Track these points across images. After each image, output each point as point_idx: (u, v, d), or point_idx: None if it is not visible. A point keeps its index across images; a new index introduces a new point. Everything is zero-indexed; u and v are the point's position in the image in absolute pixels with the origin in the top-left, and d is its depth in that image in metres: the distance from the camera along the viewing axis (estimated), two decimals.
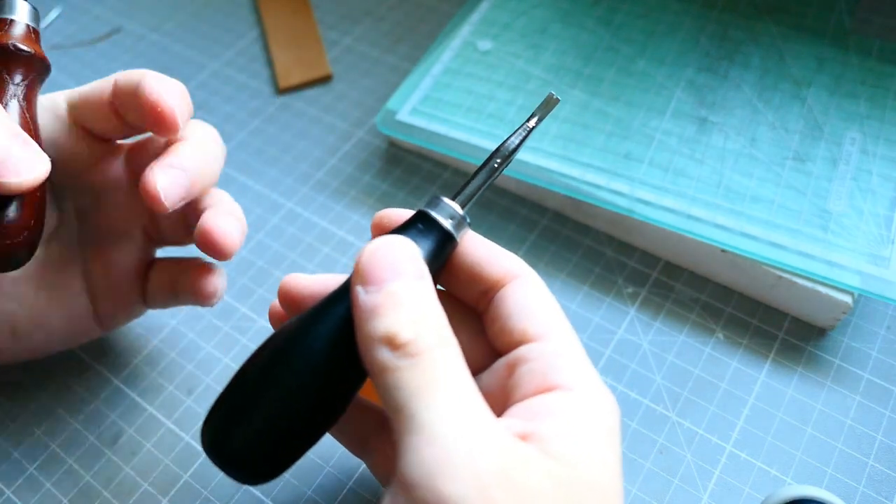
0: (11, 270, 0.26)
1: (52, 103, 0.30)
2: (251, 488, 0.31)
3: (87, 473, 0.32)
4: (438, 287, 0.25)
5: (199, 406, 0.34)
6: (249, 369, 0.23)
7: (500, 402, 0.22)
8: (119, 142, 0.32)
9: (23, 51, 0.26)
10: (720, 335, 0.35)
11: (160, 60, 0.50)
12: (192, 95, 0.32)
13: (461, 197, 0.24)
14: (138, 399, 0.34)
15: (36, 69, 0.27)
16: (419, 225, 0.23)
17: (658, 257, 0.38)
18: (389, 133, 0.41)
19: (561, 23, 0.45)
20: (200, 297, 0.31)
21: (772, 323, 0.35)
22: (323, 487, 0.31)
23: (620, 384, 0.34)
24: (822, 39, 0.42)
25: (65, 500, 0.31)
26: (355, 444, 0.27)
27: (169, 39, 0.52)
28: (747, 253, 0.34)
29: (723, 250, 0.35)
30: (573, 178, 0.37)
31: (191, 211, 0.31)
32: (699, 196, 0.36)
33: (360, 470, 0.32)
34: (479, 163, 0.39)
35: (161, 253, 0.34)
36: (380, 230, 0.25)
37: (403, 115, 0.41)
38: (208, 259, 0.31)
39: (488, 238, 0.39)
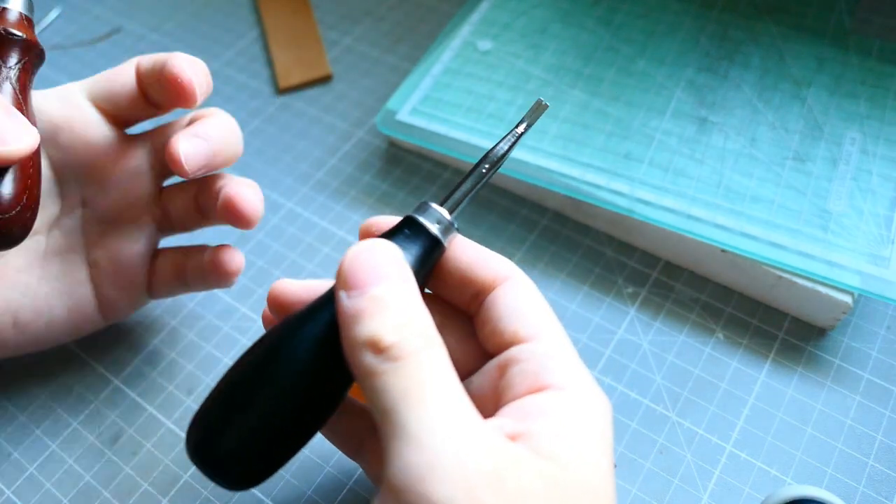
0: (5, 248, 0.26)
1: (65, 91, 0.30)
2: (251, 488, 0.31)
3: (87, 473, 0.32)
4: (428, 291, 0.25)
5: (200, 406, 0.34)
6: (235, 375, 0.23)
7: (491, 403, 0.22)
8: (128, 132, 0.32)
9: (15, 35, 0.27)
10: (720, 335, 0.35)
11: None
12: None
13: (449, 203, 0.24)
14: (138, 399, 0.34)
15: (29, 54, 0.27)
16: (406, 230, 0.23)
17: (658, 257, 0.38)
18: (389, 133, 0.41)
19: (561, 23, 0.45)
20: (222, 276, 0.32)
21: (772, 323, 0.35)
22: (323, 487, 0.31)
23: (620, 384, 0.34)
24: (822, 39, 0.42)
25: (65, 500, 0.31)
26: (350, 447, 0.26)
27: (169, 39, 0.52)
28: (747, 253, 0.34)
29: (723, 250, 0.35)
30: (573, 178, 0.37)
31: (204, 193, 0.32)
32: (699, 196, 0.36)
33: (360, 470, 0.32)
34: None
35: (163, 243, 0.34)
36: (368, 237, 0.25)
37: (403, 115, 0.41)
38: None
39: (489, 238, 0.39)
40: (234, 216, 0.30)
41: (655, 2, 0.46)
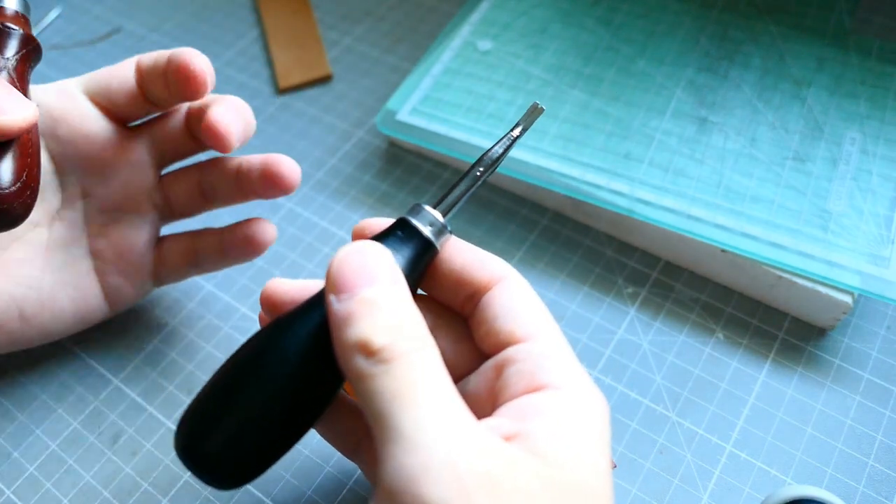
0: (5, 230, 0.26)
1: (62, 85, 0.31)
2: (251, 488, 0.31)
3: (87, 473, 0.32)
4: (422, 293, 0.25)
5: None
6: (224, 374, 0.23)
7: (488, 404, 0.22)
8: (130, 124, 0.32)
9: (12, 28, 0.28)
10: (720, 335, 0.35)
11: None
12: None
13: (443, 205, 0.24)
14: (138, 399, 0.34)
15: (27, 47, 0.28)
16: (399, 232, 0.23)
17: (658, 257, 0.38)
18: (389, 133, 0.41)
19: (561, 23, 0.45)
20: (257, 248, 0.33)
21: (772, 323, 0.35)
22: (323, 487, 0.31)
23: (620, 384, 0.34)
24: (822, 39, 0.42)
25: (65, 500, 0.31)
26: (348, 448, 0.26)
27: (169, 39, 0.52)
28: (747, 253, 0.34)
29: (723, 250, 0.35)
30: (573, 178, 0.37)
31: (217, 174, 0.32)
32: (699, 196, 0.36)
33: (360, 470, 0.32)
34: None
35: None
36: (361, 239, 0.25)
37: (403, 115, 0.41)
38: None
39: (488, 238, 0.39)
40: (277, 182, 0.31)
41: (655, 2, 0.46)
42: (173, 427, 0.33)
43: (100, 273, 0.33)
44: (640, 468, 0.31)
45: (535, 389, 0.21)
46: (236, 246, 0.33)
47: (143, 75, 0.30)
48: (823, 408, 0.33)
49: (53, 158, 0.31)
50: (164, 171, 0.33)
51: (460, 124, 0.40)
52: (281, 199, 0.42)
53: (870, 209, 0.35)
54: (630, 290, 0.37)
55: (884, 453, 0.31)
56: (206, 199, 0.33)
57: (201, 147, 0.33)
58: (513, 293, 0.23)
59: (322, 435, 0.27)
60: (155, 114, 0.32)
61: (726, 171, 0.37)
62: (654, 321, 0.36)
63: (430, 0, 0.53)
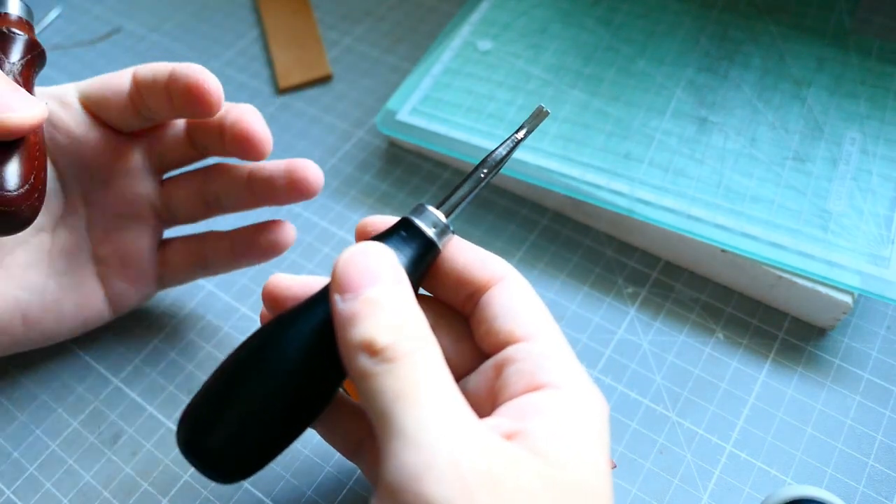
0: (13, 232, 0.26)
1: (62, 91, 0.30)
2: (251, 488, 0.31)
3: (87, 473, 0.32)
4: (423, 292, 0.25)
5: None
6: (227, 368, 0.23)
7: (488, 403, 0.22)
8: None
9: (16, 33, 0.28)
10: (720, 335, 0.35)
11: (160, 60, 0.50)
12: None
13: (446, 206, 0.24)
14: (138, 399, 0.34)
15: (32, 52, 0.28)
16: (402, 232, 0.23)
17: (658, 257, 0.38)
18: (389, 133, 0.41)
19: (561, 23, 0.45)
20: (279, 249, 0.33)
21: (772, 323, 0.35)
22: (323, 487, 0.31)
23: (620, 384, 0.34)
24: (822, 39, 0.42)
25: (65, 500, 0.31)
26: (348, 448, 0.27)
27: (169, 39, 0.52)
28: (747, 253, 0.34)
29: (723, 250, 0.35)
30: (573, 178, 0.37)
31: (210, 183, 0.32)
32: (699, 196, 0.36)
33: (360, 470, 0.32)
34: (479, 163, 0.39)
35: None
36: (364, 237, 0.25)
37: (403, 115, 0.41)
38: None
39: (488, 238, 0.39)
40: (304, 188, 0.31)
41: (655, 2, 0.46)
42: (173, 427, 0.33)
43: (103, 278, 0.33)
44: (640, 468, 0.31)
45: (535, 389, 0.21)
46: (256, 249, 0.32)
47: (139, 89, 0.29)
48: (823, 408, 0.33)
49: (55, 164, 0.31)
50: (166, 176, 0.33)
51: (460, 124, 0.40)
52: None
53: (870, 209, 0.35)
54: (630, 290, 0.37)
55: (884, 453, 0.31)
56: (210, 207, 0.33)
57: (202, 155, 0.33)
58: (513, 293, 0.23)
59: (322, 436, 0.27)
60: (148, 126, 0.32)
61: (726, 171, 0.37)
62: (654, 321, 0.36)
63: (430, 0, 0.53)
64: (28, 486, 0.32)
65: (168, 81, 0.28)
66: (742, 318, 0.36)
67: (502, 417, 0.20)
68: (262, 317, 0.27)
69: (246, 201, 0.32)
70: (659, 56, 0.42)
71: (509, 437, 0.19)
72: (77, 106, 0.30)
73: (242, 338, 0.36)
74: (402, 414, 0.19)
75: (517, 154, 0.38)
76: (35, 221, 0.30)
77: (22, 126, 0.25)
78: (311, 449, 0.32)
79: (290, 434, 0.23)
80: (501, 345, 0.22)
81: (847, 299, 0.33)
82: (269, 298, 0.26)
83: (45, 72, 0.49)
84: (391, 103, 0.42)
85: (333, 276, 0.21)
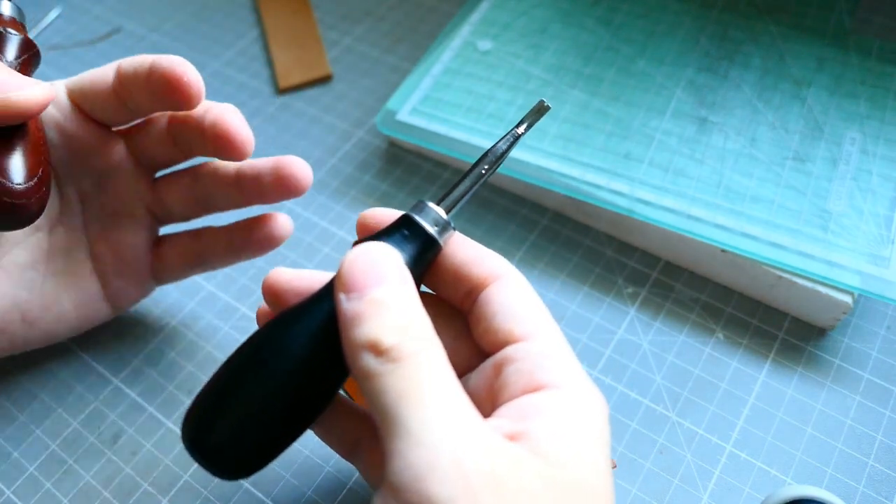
0: (22, 226, 0.26)
1: (53, 88, 0.30)
2: (251, 488, 0.31)
3: (87, 473, 0.32)
4: (423, 289, 0.25)
5: None
6: (231, 365, 0.23)
7: (487, 402, 0.22)
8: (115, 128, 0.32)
9: (12, 33, 0.28)
10: (720, 335, 0.35)
11: None
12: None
13: (446, 202, 0.24)
14: (138, 399, 0.34)
15: (27, 52, 0.28)
16: (404, 230, 0.23)
17: (658, 257, 0.38)
18: (389, 133, 0.41)
19: (561, 23, 0.45)
20: (275, 242, 0.32)
21: (772, 323, 0.35)
22: (323, 487, 0.31)
23: (620, 384, 0.34)
24: (822, 39, 0.42)
25: (65, 500, 0.31)
26: (346, 449, 0.27)
27: (169, 39, 0.52)
28: (747, 253, 0.34)
29: (723, 250, 0.35)
30: (573, 178, 0.37)
31: (200, 184, 0.32)
32: (699, 196, 0.36)
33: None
34: None
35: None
36: (364, 230, 0.25)
37: (403, 115, 0.41)
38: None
39: (488, 238, 0.39)
40: (291, 185, 0.30)
41: (655, 2, 0.46)
42: (173, 427, 0.33)
43: (101, 276, 0.33)
44: (640, 468, 0.31)
45: (535, 389, 0.21)
46: (253, 243, 0.32)
47: (122, 82, 0.29)
48: (823, 408, 0.33)
49: (50, 162, 0.31)
50: (158, 175, 0.33)
51: (460, 124, 0.40)
52: None
53: (870, 209, 0.35)
54: (630, 290, 0.37)
55: (884, 453, 0.31)
56: (202, 206, 0.33)
57: (186, 155, 0.32)
58: (512, 291, 0.23)
59: (319, 436, 0.27)
60: (134, 121, 0.32)
61: (726, 171, 0.37)
62: (654, 321, 0.36)
63: (430, 0, 0.53)
64: (28, 486, 0.32)
65: (149, 73, 0.28)
66: (742, 318, 0.36)
67: (503, 419, 0.20)
68: (259, 314, 0.27)
69: (236, 200, 0.32)
70: (659, 56, 0.42)
71: (511, 438, 0.19)
72: (66, 101, 0.30)
73: (242, 338, 0.36)
74: (407, 414, 0.19)
75: (517, 154, 0.38)
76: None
77: (29, 106, 0.25)
78: (311, 449, 0.32)
79: (293, 432, 0.23)
80: (501, 344, 0.22)
81: (847, 299, 0.33)
82: (270, 292, 0.26)
83: (45, 72, 0.49)
84: (391, 103, 0.42)
85: (339, 275, 0.21)
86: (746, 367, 0.34)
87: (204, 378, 0.35)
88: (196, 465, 0.32)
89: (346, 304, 0.21)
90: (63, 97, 0.30)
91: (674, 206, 0.36)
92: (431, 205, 0.24)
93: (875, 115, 0.38)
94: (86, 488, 0.32)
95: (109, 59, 0.51)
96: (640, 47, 0.43)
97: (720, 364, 0.34)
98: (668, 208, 0.36)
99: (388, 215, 0.25)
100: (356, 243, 0.23)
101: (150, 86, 0.28)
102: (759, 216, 0.35)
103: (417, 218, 0.23)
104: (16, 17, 0.29)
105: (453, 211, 0.24)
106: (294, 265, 0.39)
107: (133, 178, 0.32)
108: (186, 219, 0.34)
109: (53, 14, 0.53)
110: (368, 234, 0.24)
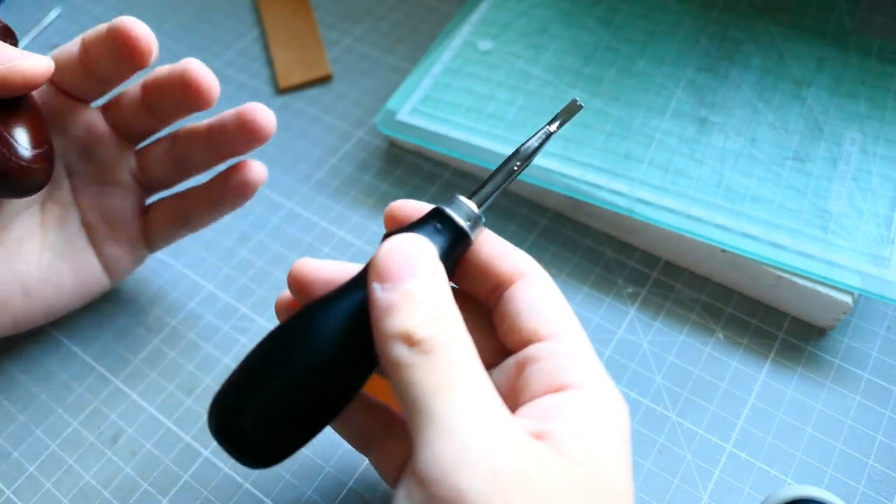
0: (29, 194, 0.28)
1: (51, 59, 0.31)
2: (251, 488, 0.31)
3: (87, 473, 0.32)
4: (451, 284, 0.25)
5: (199, 406, 0.34)
6: (260, 353, 0.23)
7: (509, 400, 0.22)
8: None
9: None
10: (720, 335, 0.35)
11: (160, 60, 0.50)
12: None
13: (478, 197, 0.24)
14: (138, 399, 0.34)
15: (5, 38, 0.29)
16: (436, 223, 0.23)
17: (658, 257, 0.38)
18: (389, 133, 0.41)
19: (561, 23, 0.45)
20: (250, 187, 0.33)
21: (772, 323, 0.35)
22: (323, 487, 0.31)
23: (620, 384, 0.34)
24: (822, 39, 0.42)
25: (65, 500, 0.31)
26: (360, 441, 0.27)
27: (169, 39, 0.52)
28: (747, 253, 0.34)
29: (723, 250, 0.35)
30: (573, 178, 0.37)
31: (177, 144, 0.33)
32: (699, 196, 0.36)
33: (360, 470, 0.32)
34: (480, 163, 0.39)
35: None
36: (393, 222, 0.25)
37: (403, 115, 0.41)
38: None
39: None
40: (253, 129, 0.31)
41: (655, 2, 0.46)
42: (173, 427, 0.33)
43: (95, 245, 0.34)
44: (640, 468, 0.31)
45: (558, 389, 0.21)
46: (230, 191, 0.33)
47: (86, 50, 0.30)
48: (823, 408, 0.33)
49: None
50: (140, 146, 0.34)
51: (460, 124, 0.40)
52: (281, 199, 0.42)
53: (870, 209, 0.35)
54: (630, 290, 0.37)
55: (884, 453, 0.31)
56: (181, 168, 0.34)
57: (162, 122, 0.33)
58: (538, 290, 0.23)
59: (335, 429, 0.27)
60: (106, 92, 0.32)
61: (726, 171, 0.37)
62: (654, 321, 0.36)
63: (430, 0, 0.53)
64: (28, 486, 0.32)
65: (106, 34, 0.29)
66: (742, 318, 0.36)
67: (526, 418, 0.21)
68: (279, 304, 0.27)
69: (208, 155, 0.33)
70: (659, 56, 0.42)
71: (535, 437, 0.20)
72: None
73: (242, 338, 0.36)
74: (438, 406, 0.19)
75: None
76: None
77: (35, 74, 0.26)
78: (311, 449, 0.32)
79: (321, 420, 0.23)
80: (525, 342, 0.23)
81: (847, 299, 0.33)
82: (296, 283, 0.26)
83: None
84: (391, 103, 0.42)
85: (374, 264, 0.21)
86: (746, 367, 0.34)
87: (204, 378, 0.35)
88: (196, 464, 0.32)
89: (380, 293, 0.21)
90: None
91: (674, 206, 0.36)
92: (463, 199, 0.24)
93: (875, 115, 0.38)
94: (86, 488, 0.32)
95: None
96: (640, 47, 0.43)
97: (720, 364, 0.34)
98: (668, 208, 0.36)
99: (417, 207, 0.25)
100: (387, 235, 0.23)
101: (109, 46, 0.29)
102: (759, 216, 0.35)
103: (450, 211, 0.23)
104: None
105: (484, 206, 0.24)
106: None
107: (116, 149, 0.33)
108: (170, 184, 0.35)
109: (53, 14, 0.53)
110: (397, 226, 0.25)
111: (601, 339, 0.35)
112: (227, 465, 0.32)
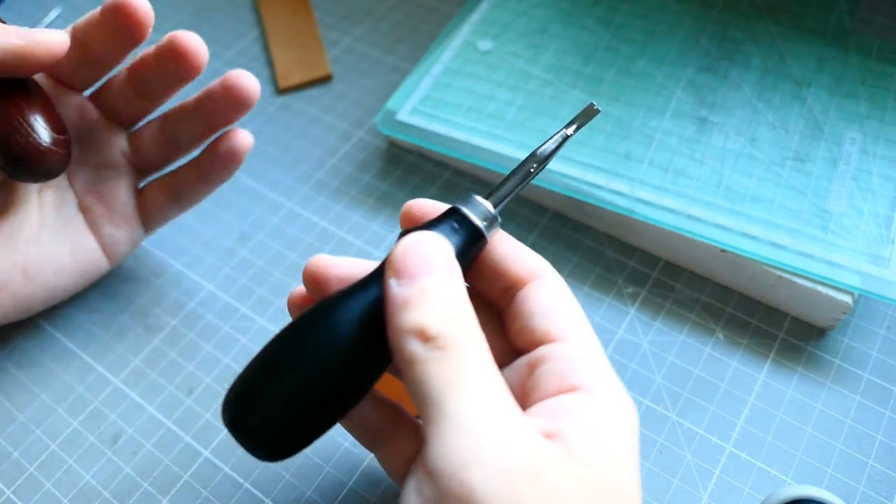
0: (48, 179, 0.29)
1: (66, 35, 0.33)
2: (251, 488, 0.31)
3: (87, 473, 0.32)
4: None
5: (199, 406, 0.34)
6: (275, 347, 0.23)
7: (520, 400, 0.22)
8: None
9: None
10: (720, 335, 0.35)
11: None
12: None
13: (494, 197, 0.24)
14: (138, 399, 0.34)
15: None
16: (453, 222, 0.23)
17: (658, 257, 0.38)
18: (389, 133, 0.41)
19: (561, 23, 0.45)
20: (238, 155, 0.34)
21: (772, 323, 0.35)
22: (323, 487, 0.31)
23: None
24: (822, 39, 0.42)
25: (65, 500, 0.31)
26: (367, 437, 0.27)
27: None
28: (747, 253, 0.34)
29: (723, 250, 0.35)
30: (573, 178, 0.37)
31: (168, 121, 0.34)
32: (699, 196, 0.36)
33: (360, 470, 0.32)
34: (480, 163, 0.39)
35: None
36: (409, 220, 0.26)
37: (403, 115, 0.41)
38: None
39: None
40: (237, 94, 0.32)
41: (655, 2, 0.46)
42: (173, 427, 0.33)
43: (93, 227, 0.35)
44: (641, 468, 0.31)
45: (568, 390, 0.21)
46: (218, 161, 0.34)
47: (78, 34, 0.30)
48: (823, 408, 0.33)
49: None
50: (133, 129, 0.35)
51: (460, 124, 0.40)
52: (281, 200, 0.42)
53: (870, 209, 0.35)
54: (630, 290, 0.37)
55: (884, 453, 0.31)
56: (173, 146, 0.34)
57: (151, 104, 0.34)
58: (550, 291, 0.23)
59: (343, 425, 0.27)
60: (100, 77, 0.33)
61: (726, 171, 0.37)
62: (654, 321, 0.36)
63: (430, 0, 0.53)
64: (28, 486, 0.32)
65: (101, 14, 0.30)
66: (742, 318, 0.36)
67: (536, 418, 0.21)
68: (292, 299, 0.27)
69: (198, 127, 0.33)
70: (659, 56, 0.42)
71: (545, 436, 0.20)
72: None
73: (242, 338, 0.36)
74: (451, 401, 0.19)
75: (518, 154, 0.38)
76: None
77: (54, 48, 0.27)
78: (311, 449, 0.32)
79: (334, 415, 0.23)
80: (536, 343, 0.23)
81: (847, 299, 0.33)
82: (311, 279, 0.26)
83: None
84: (391, 103, 0.42)
85: (391, 260, 0.22)
86: (746, 367, 0.34)
87: (204, 378, 0.35)
88: (196, 464, 0.32)
89: (397, 289, 0.21)
90: None
91: (674, 206, 0.36)
92: (479, 199, 0.24)
93: (875, 115, 0.38)
94: (86, 488, 0.32)
95: None
96: (640, 47, 0.43)
97: (720, 364, 0.34)
98: (668, 208, 0.36)
99: (433, 207, 0.25)
100: (403, 233, 0.23)
101: (105, 22, 0.30)
102: (759, 216, 0.35)
103: (466, 211, 0.23)
104: None
105: (500, 207, 0.24)
106: (294, 265, 0.39)
107: (108, 133, 0.34)
108: (163, 164, 0.35)
109: (53, 14, 0.53)
110: (413, 224, 0.25)
111: (601, 339, 0.35)
112: (227, 465, 0.32)
